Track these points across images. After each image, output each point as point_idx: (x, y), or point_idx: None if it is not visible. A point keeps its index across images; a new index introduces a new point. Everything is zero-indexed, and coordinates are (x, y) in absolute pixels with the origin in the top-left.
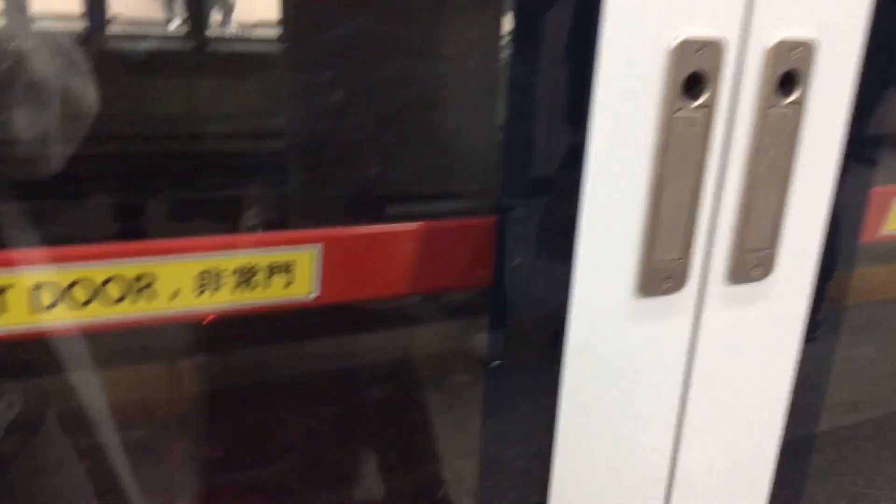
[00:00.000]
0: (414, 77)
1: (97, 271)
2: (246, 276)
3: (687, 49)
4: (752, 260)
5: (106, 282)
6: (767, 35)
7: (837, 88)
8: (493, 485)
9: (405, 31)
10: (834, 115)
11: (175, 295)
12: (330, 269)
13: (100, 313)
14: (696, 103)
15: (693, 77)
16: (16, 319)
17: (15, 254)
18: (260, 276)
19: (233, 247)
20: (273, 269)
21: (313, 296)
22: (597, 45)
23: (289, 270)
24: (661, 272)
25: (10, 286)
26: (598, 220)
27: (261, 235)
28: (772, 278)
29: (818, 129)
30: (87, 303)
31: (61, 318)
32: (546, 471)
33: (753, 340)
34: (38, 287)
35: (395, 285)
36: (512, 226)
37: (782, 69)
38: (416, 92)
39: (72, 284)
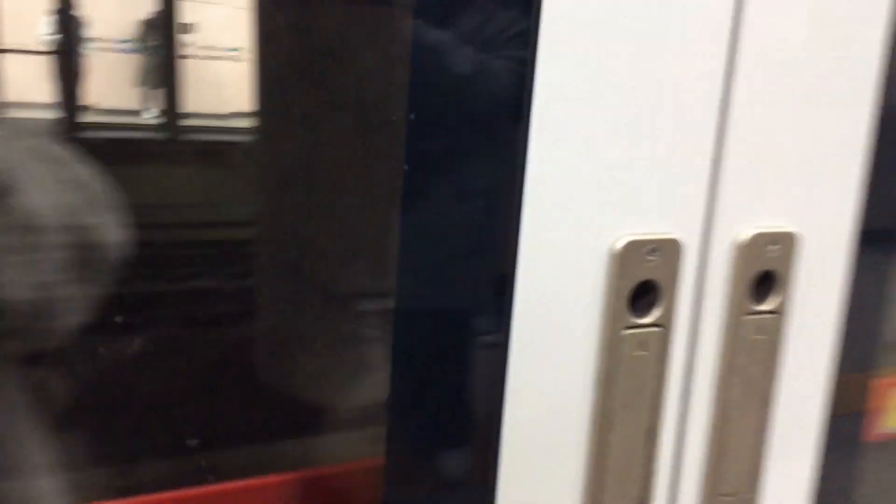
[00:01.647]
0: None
1: None
2: None
3: (634, 251)
4: None
5: None
6: (734, 228)
7: (826, 289)
8: None
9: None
10: (822, 323)
11: None
12: None
13: None
14: (649, 319)
15: (645, 285)
16: None
17: None
18: None
19: None
20: None
21: None
22: (516, 248)
23: None
24: None
25: None
26: (520, 470)
27: None
28: None
29: (803, 340)
30: None
31: None
32: None
33: None
34: None
35: None
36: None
37: (755, 270)
38: None
39: None
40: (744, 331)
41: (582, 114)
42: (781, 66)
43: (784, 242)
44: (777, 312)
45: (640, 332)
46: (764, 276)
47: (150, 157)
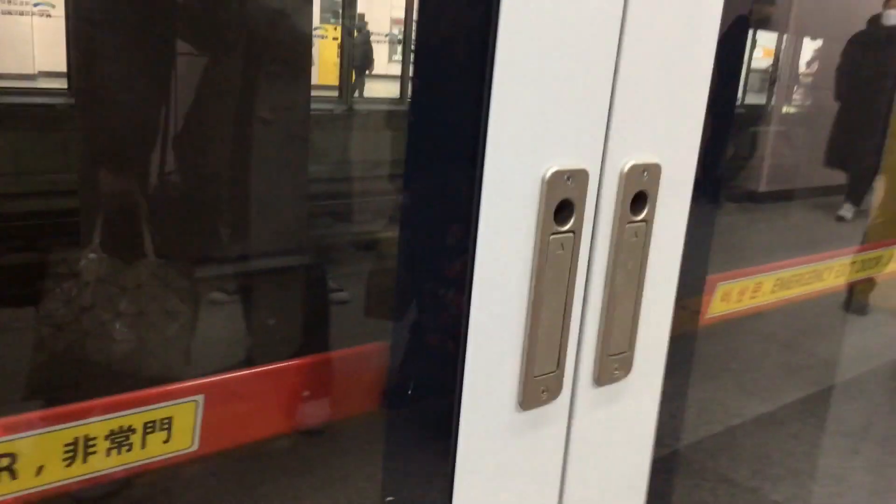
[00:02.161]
0: None
1: None
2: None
3: (558, 179)
4: (614, 363)
5: None
6: (621, 160)
7: (678, 204)
8: None
9: None
10: (675, 228)
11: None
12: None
13: None
14: (566, 227)
15: (563, 204)
16: None
17: None
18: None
19: None
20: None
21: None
22: (480, 175)
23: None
24: (540, 385)
25: None
26: (483, 340)
27: None
28: (630, 378)
29: (663, 241)
30: None
31: None
32: None
33: (617, 435)
34: None
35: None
36: (401, 353)
37: (634, 190)
38: None
39: None
40: (625, 235)
41: (525, 78)
42: (655, 37)
43: (652, 171)
44: (646, 221)
45: (560, 237)
46: (638, 195)
47: None
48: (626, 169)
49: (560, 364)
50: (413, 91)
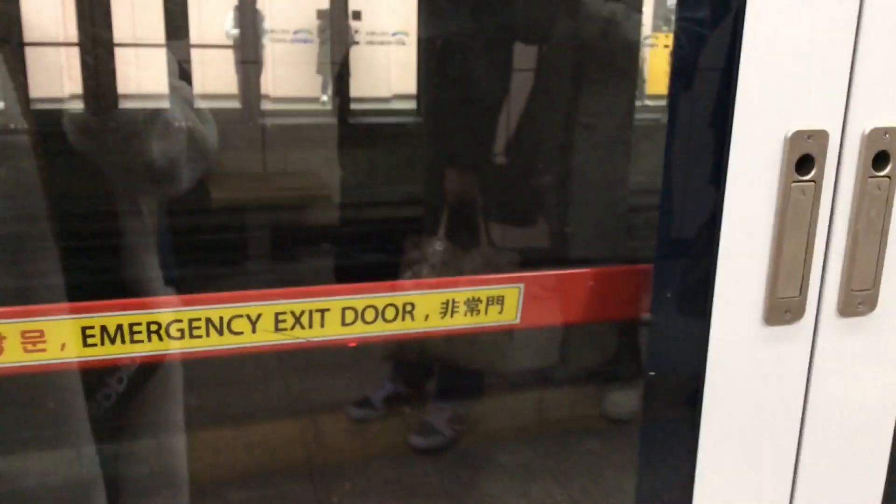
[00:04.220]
0: None
1: None
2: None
3: (799, 137)
4: (858, 298)
5: None
6: (863, 124)
7: None
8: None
9: None
10: None
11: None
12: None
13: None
14: (807, 177)
15: (804, 157)
16: None
17: None
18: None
19: None
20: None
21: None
22: (730, 132)
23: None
24: (783, 306)
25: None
26: (733, 264)
27: None
28: (876, 314)
29: None
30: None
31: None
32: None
33: (861, 367)
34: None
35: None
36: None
37: (876, 150)
38: None
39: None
40: (868, 187)
41: (769, 52)
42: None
43: (892, 133)
44: (889, 177)
45: (801, 185)
46: (881, 153)
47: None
48: (867, 131)
49: (802, 291)
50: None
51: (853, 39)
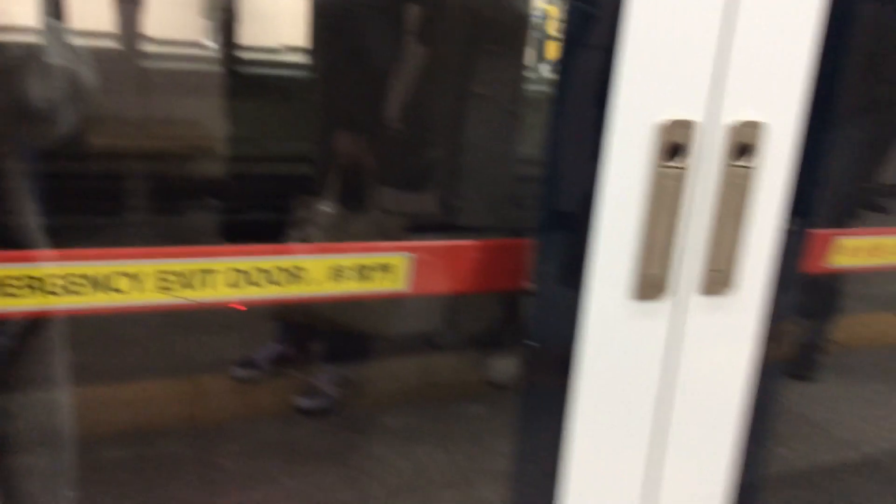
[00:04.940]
0: None
1: None
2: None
3: (669, 126)
4: (717, 278)
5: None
6: (728, 117)
7: (780, 157)
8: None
9: None
10: (777, 176)
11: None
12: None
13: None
14: (675, 164)
15: (673, 145)
16: None
17: None
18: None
19: None
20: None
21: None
22: (609, 117)
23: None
24: (650, 283)
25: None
26: (607, 242)
27: None
28: (732, 293)
29: (765, 185)
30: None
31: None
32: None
33: (718, 339)
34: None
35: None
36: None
37: (739, 141)
38: None
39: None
40: (728, 176)
41: (644, 48)
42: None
43: (755, 127)
44: (749, 167)
45: (669, 170)
46: (742, 146)
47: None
48: (730, 123)
49: (667, 270)
50: (562, 65)
51: (721, 38)
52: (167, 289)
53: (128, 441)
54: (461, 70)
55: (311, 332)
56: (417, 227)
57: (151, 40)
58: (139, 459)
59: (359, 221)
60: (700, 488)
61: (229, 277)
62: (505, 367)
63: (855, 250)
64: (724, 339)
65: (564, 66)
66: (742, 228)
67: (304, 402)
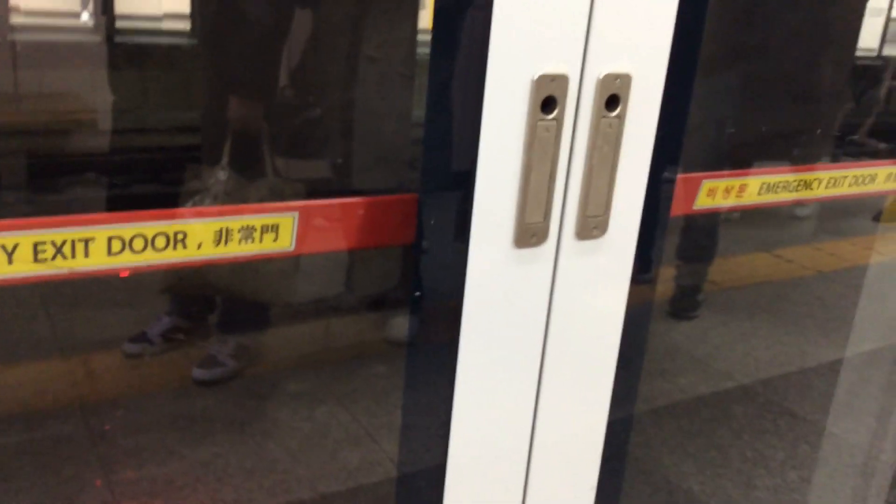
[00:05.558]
0: None
1: None
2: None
3: (543, 80)
4: (592, 223)
5: None
6: (597, 70)
7: (647, 107)
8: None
9: None
10: (645, 125)
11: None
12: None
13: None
14: (550, 116)
15: (548, 99)
16: None
17: None
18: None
19: None
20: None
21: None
22: (485, 72)
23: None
24: (530, 230)
25: None
26: (487, 193)
27: None
28: (607, 237)
29: (634, 134)
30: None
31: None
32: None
33: (595, 283)
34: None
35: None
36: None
37: (608, 93)
38: None
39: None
40: (601, 126)
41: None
42: None
43: (623, 79)
44: (619, 117)
45: (545, 123)
46: (612, 96)
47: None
48: (601, 76)
49: (546, 217)
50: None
51: None
52: (44, 260)
53: (14, 426)
54: (351, 32)
55: (204, 302)
56: (313, 192)
57: (23, 12)
58: (29, 443)
59: (255, 188)
60: (580, 423)
61: (109, 245)
62: (404, 324)
63: (726, 192)
64: (602, 279)
65: (439, 23)
66: (615, 175)
67: (201, 374)
